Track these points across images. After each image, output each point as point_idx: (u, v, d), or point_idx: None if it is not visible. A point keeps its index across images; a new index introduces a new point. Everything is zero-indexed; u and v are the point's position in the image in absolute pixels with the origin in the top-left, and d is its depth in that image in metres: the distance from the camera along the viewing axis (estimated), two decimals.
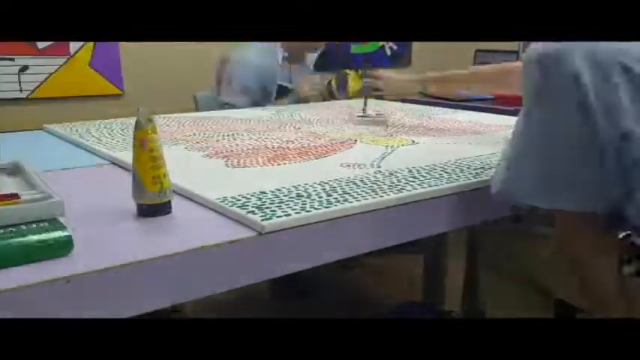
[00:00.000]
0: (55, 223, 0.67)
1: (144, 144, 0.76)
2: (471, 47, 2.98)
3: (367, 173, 0.98)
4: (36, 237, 0.63)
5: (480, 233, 1.77)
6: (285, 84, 2.16)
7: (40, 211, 0.68)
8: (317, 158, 1.11)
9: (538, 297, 1.25)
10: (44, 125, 1.52)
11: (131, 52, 2.62)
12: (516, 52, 2.64)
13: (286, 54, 2.13)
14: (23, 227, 0.65)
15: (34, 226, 0.66)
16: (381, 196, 0.84)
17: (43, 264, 0.61)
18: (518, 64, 1.03)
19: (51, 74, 2.50)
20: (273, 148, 1.20)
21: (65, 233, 0.64)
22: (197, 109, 2.17)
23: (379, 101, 2.11)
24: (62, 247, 0.63)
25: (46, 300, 0.58)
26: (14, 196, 0.70)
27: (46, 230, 0.64)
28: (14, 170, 0.91)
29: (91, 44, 2.56)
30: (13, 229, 0.64)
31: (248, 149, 1.19)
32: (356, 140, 1.30)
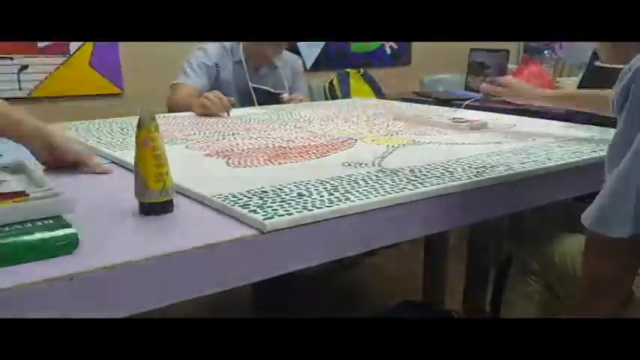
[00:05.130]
0: (60, 221, 0.67)
1: (146, 142, 0.76)
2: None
3: (369, 172, 0.98)
4: (43, 234, 0.63)
5: (480, 233, 1.77)
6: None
7: (50, 209, 0.68)
8: (318, 157, 1.11)
9: (545, 296, 1.26)
10: None
11: (131, 52, 2.61)
12: (507, 51, 2.69)
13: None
14: (29, 225, 0.65)
15: (40, 223, 0.66)
16: (383, 195, 0.84)
17: (46, 262, 0.61)
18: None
19: (50, 73, 2.50)
20: (274, 147, 1.20)
21: (71, 231, 0.64)
22: None
23: (381, 101, 2.11)
24: (68, 245, 0.63)
25: (49, 298, 0.58)
26: (22, 194, 0.71)
27: (52, 228, 0.65)
28: (16, 168, 0.91)
29: (90, 43, 2.55)
30: (19, 227, 0.64)
31: (249, 148, 1.19)
32: (357, 139, 1.30)
